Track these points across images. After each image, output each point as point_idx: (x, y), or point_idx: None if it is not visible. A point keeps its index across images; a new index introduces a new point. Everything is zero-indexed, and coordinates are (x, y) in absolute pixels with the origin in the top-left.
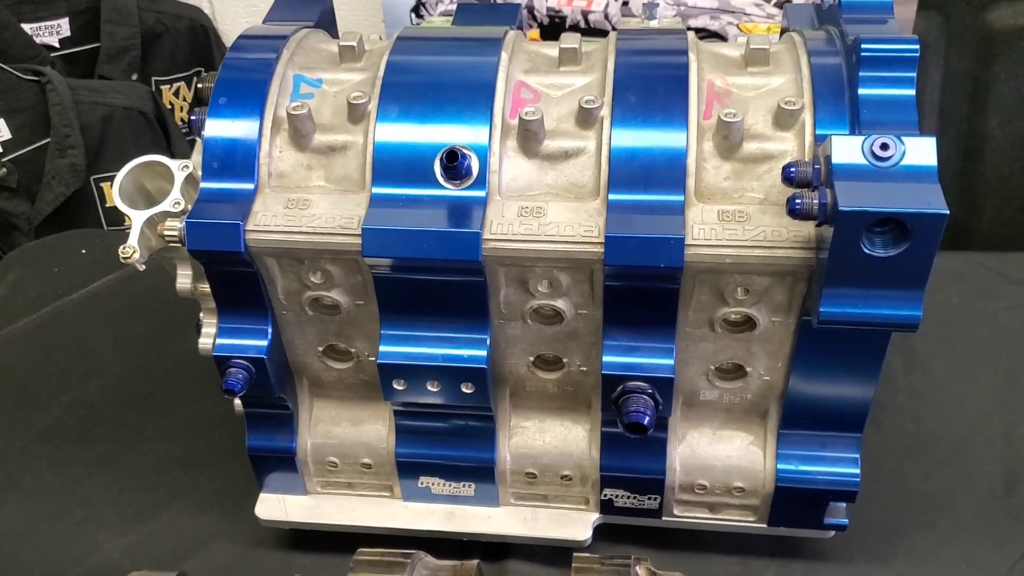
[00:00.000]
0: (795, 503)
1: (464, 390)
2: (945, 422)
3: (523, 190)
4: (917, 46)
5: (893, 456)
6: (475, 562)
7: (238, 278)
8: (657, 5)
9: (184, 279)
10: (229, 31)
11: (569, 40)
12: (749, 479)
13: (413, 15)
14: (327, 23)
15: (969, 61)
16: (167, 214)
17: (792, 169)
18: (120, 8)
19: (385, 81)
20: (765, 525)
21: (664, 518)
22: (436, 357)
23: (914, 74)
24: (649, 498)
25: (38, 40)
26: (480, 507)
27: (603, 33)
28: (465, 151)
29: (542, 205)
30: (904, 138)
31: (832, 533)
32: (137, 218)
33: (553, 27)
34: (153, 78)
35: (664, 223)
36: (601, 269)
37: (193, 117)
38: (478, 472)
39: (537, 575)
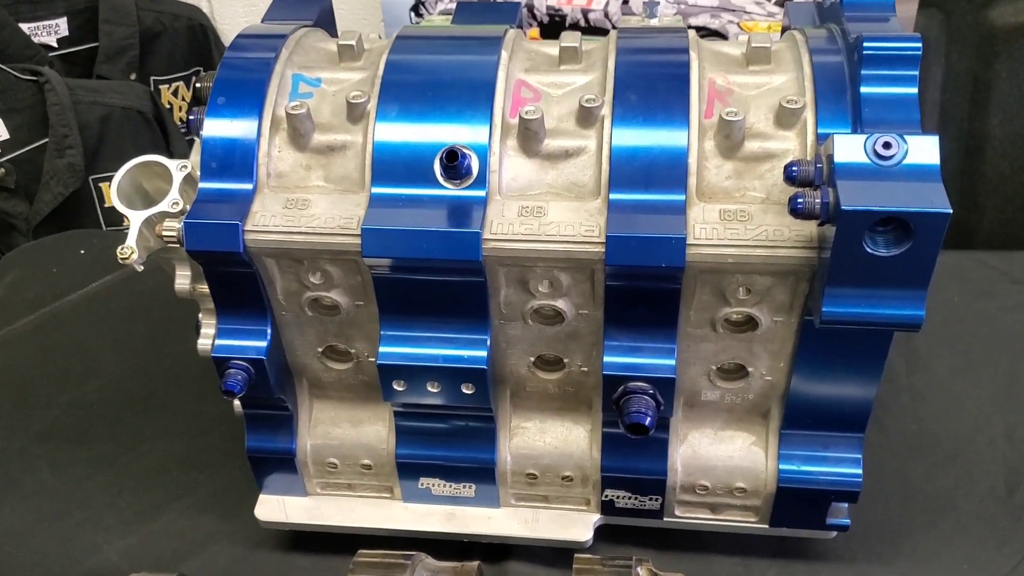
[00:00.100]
0: (797, 503)
1: (464, 391)
2: (947, 422)
3: (523, 190)
4: (919, 44)
5: (895, 456)
6: (476, 563)
7: (237, 279)
8: (658, 3)
9: (183, 280)
10: (228, 30)
11: (569, 39)
12: (751, 479)
13: (412, 14)
14: (326, 22)
15: (970, 59)
16: (165, 214)
17: (794, 168)
18: (118, 8)
19: (384, 80)
20: (767, 526)
21: (665, 519)
22: (436, 358)
23: (916, 72)
24: (650, 499)
25: (36, 40)
26: (481, 508)
27: (603, 32)
28: (465, 150)
29: (542, 205)
30: (907, 137)
31: (834, 533)
32: (135, 218)
33: (553, 26)
34: (152, 78)
35: (665, 223)
36: (602, 269)
37: (191, 117)
38: (478, 473)
39: None
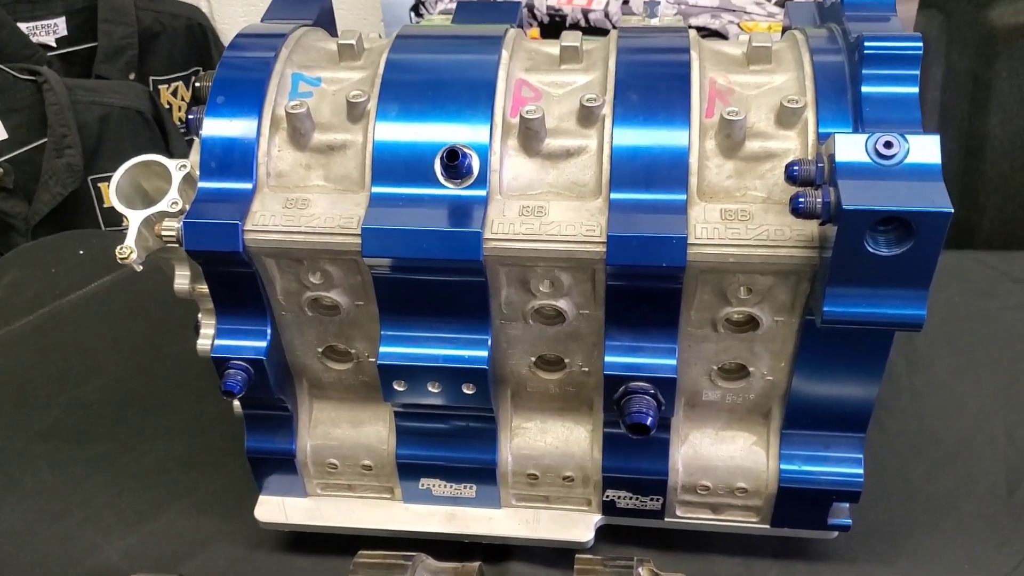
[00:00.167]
0: (798, 503)
1: (465, 391)
2: (948, 421)
3: (524, 189)
4: (920, 43)
5: (896, 456)
6: (476, 564)
7: (236, 279)
8: (658, 3)
9: (182, 280)
10: (227, 30)
11: (570, 38)
12: (752, 480)
13: (412, 14)
14: (326, 22)
15: (970, 59)
16: (164, 214)
17: (795, 167)
18: (117, 7)
19: (385, 79)
20: (768, 526)
21: (666, 519)
22: (437, 358)
23: (917, 72)
24: (651, 499)
25: (35, 39)
26: (481, 509)
27: (603, 32)
28: (466, 150)
29: (543, 204)
30: (908, 136)
31: (835, 534)
32: (134, 218)
33: (553, 26)
34: (151, 78)
35: (666, 222)
36: (603, 269)
37: (191, 116)
38: (479, 473)
39: None
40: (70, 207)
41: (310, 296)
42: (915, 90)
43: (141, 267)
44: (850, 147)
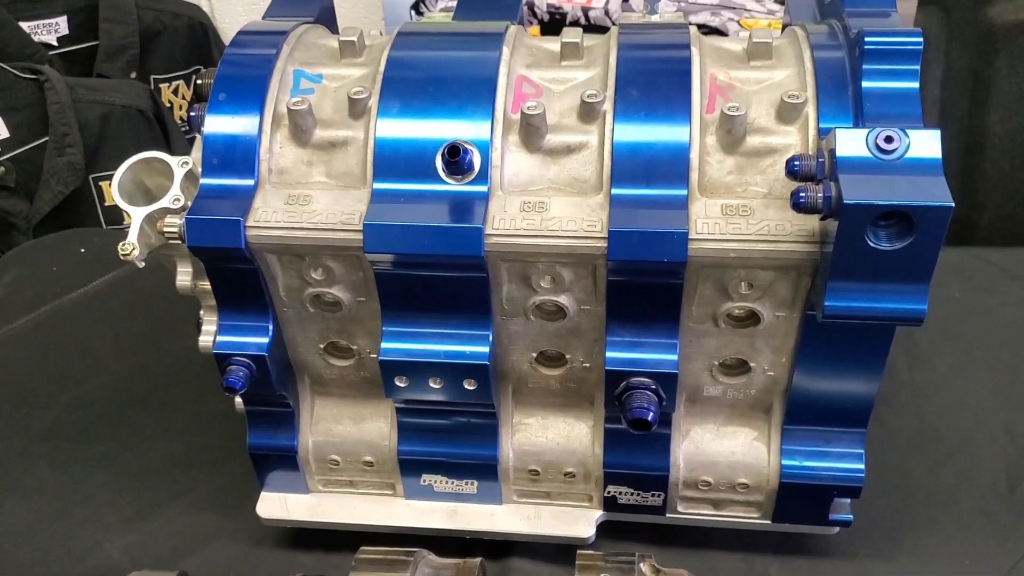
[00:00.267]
0: (799, 499)
1: (466, 387)
2: (948, 418)
3: (525, 185)
4: (920, 39)
5: (897, 452)
6: (478, 560)
7: (238, 275)
8: (658, 0)
9: (184, 277)
10: (228, 29)
11: (571, 35)
12: (753, 475)
13: (413, 12)
14: (327, 20)
15: (970, 57)
16: (167, 210)
17: (796, 163)
18: (118, 6)
19: (386, 76)
20: (769, 521)
21: (668, 515)
22: (438, 354)
23: (918, 67)
24: (653, 495)
25: (36, 38)
26: (483, 505)
27: (603, 30)
28: (467, 146)
29: (544, 200)
30: (908, 131)
31: (836, 529)
32: (136, 215)
33: (553, 23)
34: (152, 76)
35: (667, 218)
36: (604, 264)
37: (193, 113)
38: (481, 469)
39: (540, 573)
40: (71, 206)
41: (312, 292)
42: (915, 85)
43: (143, 264)
44: (851, 142)
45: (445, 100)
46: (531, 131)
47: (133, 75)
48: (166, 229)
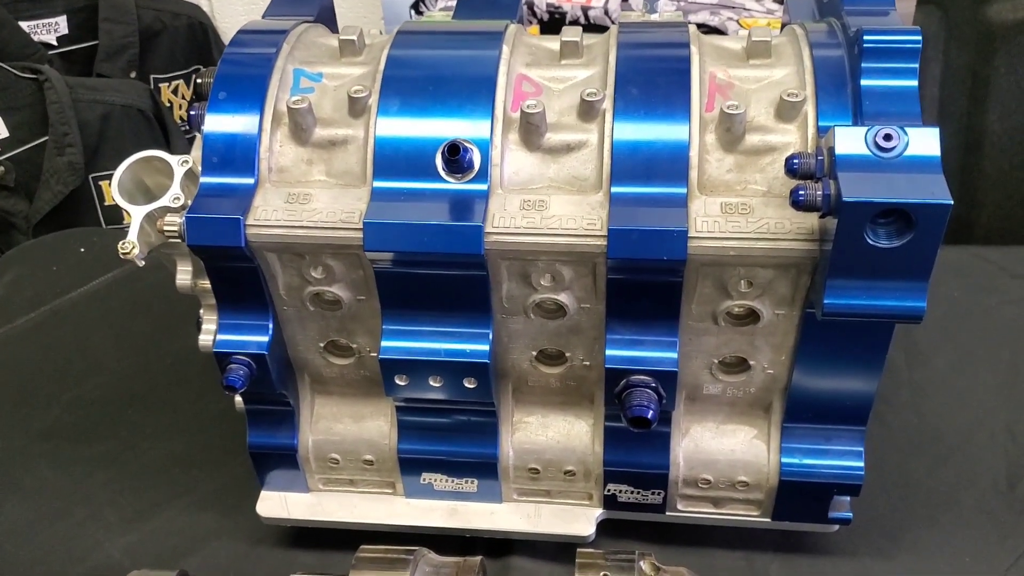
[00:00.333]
0: (799, 497)
1: (466, 385)
2: (948, 416)
3: (525, 183)
4: (919, 37)
5: (896, 451)
6: (478, 558)
7: (238, 274)
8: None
9: (184, 275)
10: (228, 28)
11: (570, 33)
12: (753, 473)
13: (412, 11)
14: (326, 19)
15: (968, 55)
16: (167, 209)
17: (795, 161)
18: (118, 6)
19: (386, 75)
20: (769, 519)
21: (668, 513)
22: (438, 352)
23: (916, 65)
24: (653, 493)
25: (36, 38)
26: (483, 503)
27: (603, 29)
28: (467, 144)
29: (544, 198)
30: (907, 129)
31: (836, 527)
32: (136, 213)
33: (553, 23)
34: (152, 76)
35: (667, 216)
36: (604, 262)
37: (193, 112)
38: (481, 468)
39: (540, 571)
40: (71, 205)
41: (312, 291)
42: (914, 83)
43: (143, 262)
44: (850, 140)
45: (445, 99)
46: (531, 129)
47: (133, 75)
48: (166, 228)
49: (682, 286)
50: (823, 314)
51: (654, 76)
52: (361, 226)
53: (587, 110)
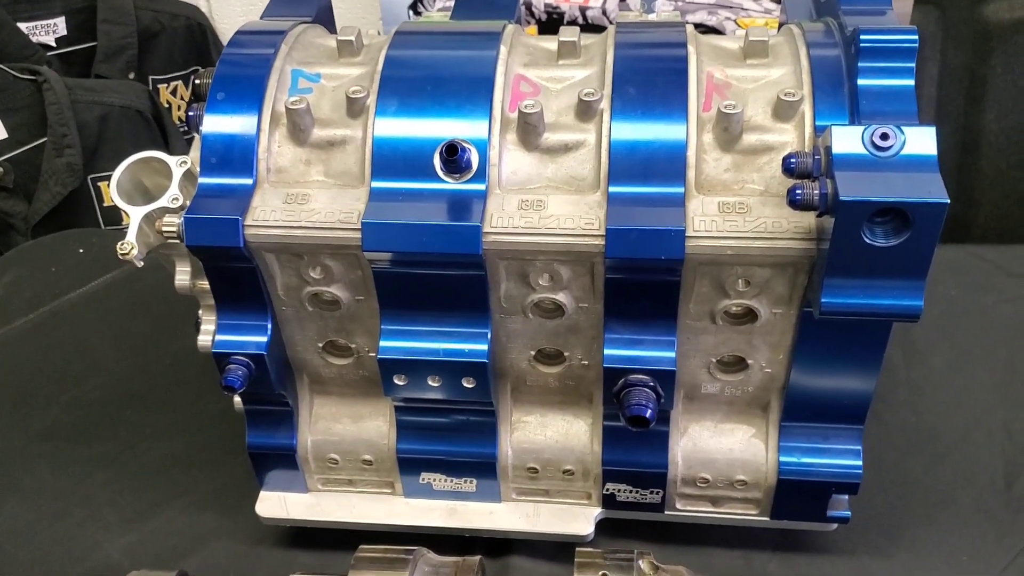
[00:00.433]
0: (797, 496)
1: (465, 385)
2: (946, 415)
3: (523, 183)
4: (916, 36)
5: (894, 449)
6: (477, 558)
7: (237, 274)
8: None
9: (183, 276)
10: (226, 29)
11: (568, 33)
12: (751, 472)
13: (411, 12)
14: (325, 20)
15: (966, 55)
16: (165, 210)
17: (792, 160)
18: (117, 7)
19: (384, 75)
20: (768, 518)
21: (666, 512)
22: (437, 352)
23: (913, 64)
24: (651, 492)
25: (34, 39)
26: (482, 503)
27: (601, 29)
28: (465, 144)
29: (542, 198)
30: (904, 128)
31: (834, 526)
32: (135, 214)
33: (551, 23)
34: (150, 77)
35: (665, 215)
36: (602, 262)
37: (191, 113)
38: (479, 468)
39: (539, 571)
40: (70, 206)
41: (310, 291)
42: (911, 82)
43: (142, 263)
44: (847, 139)
45: (443, 99)
46: (529, 129)
47: (131, 76)
48: (165, 228)
49: (680, 285)
50: (820, 313)
51: (652, 76)
52: (359, 226)
53: (585, 110)
